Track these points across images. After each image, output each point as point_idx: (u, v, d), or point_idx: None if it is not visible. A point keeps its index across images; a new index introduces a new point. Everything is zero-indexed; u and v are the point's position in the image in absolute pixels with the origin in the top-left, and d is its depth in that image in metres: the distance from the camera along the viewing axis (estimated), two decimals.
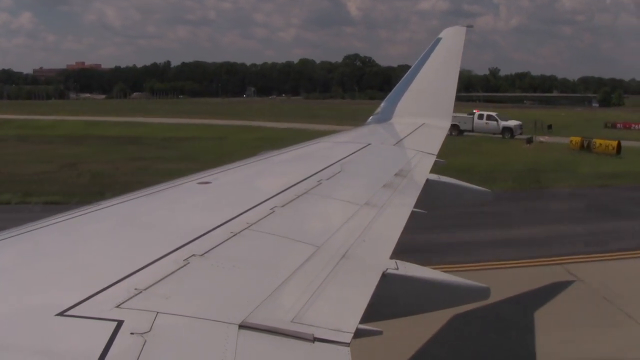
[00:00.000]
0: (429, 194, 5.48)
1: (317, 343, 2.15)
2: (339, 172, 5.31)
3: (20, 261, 2.71)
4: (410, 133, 8.67)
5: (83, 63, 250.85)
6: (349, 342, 2.19)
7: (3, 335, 1.92)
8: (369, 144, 7.31)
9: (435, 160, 6.99)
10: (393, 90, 10.81)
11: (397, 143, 8.06)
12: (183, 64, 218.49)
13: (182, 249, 2.80)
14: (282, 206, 3.85)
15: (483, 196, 7.30)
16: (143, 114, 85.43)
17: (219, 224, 3.26)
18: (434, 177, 6.17)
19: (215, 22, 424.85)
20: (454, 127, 53.97)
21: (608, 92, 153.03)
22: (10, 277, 2.45)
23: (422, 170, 6.23)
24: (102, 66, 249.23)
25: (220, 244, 2.96)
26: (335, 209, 4.21)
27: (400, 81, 10.88)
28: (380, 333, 2.48)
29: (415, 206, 4.66)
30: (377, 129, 9.50)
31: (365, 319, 2.44)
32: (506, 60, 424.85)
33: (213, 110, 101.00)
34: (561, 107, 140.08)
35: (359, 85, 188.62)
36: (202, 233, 3.06)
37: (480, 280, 3.64)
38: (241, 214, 3.52)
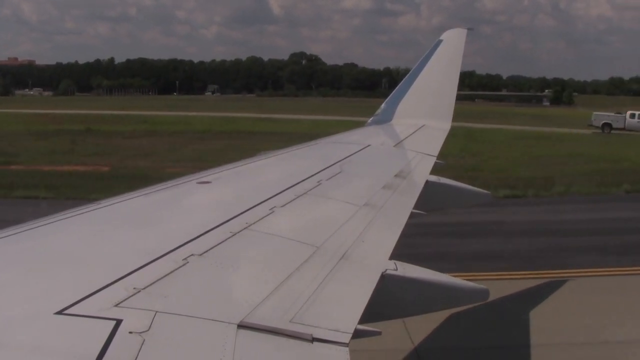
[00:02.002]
0: (429, 195, 5.48)
1: (315, 343, 2.15)
2: (339, 172, 5.31)
3: (20, 259, 2.71)
4: (411, 134, 8.68)
5: (16, 59, 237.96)
6: (347, 342, 2.19)
7: (2, 334, 1.92)
8: (369, 145, 7.31)
9: (435, 162, 6.99)
10: (394, 92, 10.82)
11: (397, 144, 8.06)
12: (128, 60, 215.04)
13: (181, 248, 2.80)
14: (282, 206, 3.85)
15: (483, 198, 7.31)
16: (209, 110, 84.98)
17: (219, 223, 3.26)
18: (434, 178, 6.17)
19: (135, 19, 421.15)
20: (606, 125, 58.19)
21: (560, 91, 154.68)
22: (10, 275, 2.45)
23: (422, 172, 6.23)
24: (37, 62, 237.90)
25: (219, 243, 2.96)
26: (334, 209, 4.21)
27: (401, 83, 10.89)
28: (379, 333, 2.48)
29: (415, 207, 4.67)
30: (377, 130, 9.50)
31: (364, 319, 2.44)
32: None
33: (240, 106, 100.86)
34: (513, 105, 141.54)
35: (308, 83, 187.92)
36: (201, 232, 3.06)
37: None
38: (240, 213, 3.52)
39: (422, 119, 9.65)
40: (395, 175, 5.64)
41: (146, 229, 3.31)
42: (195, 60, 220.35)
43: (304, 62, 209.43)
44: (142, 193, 4.08)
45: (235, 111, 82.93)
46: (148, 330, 1.97)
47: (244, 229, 3.25)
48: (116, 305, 2.12)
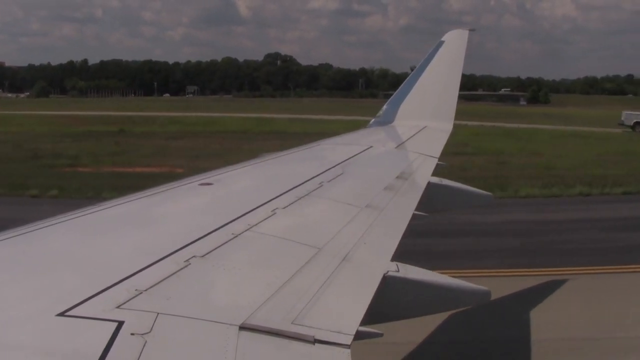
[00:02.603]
0: (431, 197, 5.48)
1: (317, 345, 2.15)
2: (341, 174, 5.31)
3: (22, 261, 2.72)
4: (412, 136, 8.68)
5: None
6: (349, 344, 2.19)
7: (4, 335, 1.92)
8: (371, 147, 7.31)
9: (437, 163, 6.98)
10: (395, 93, 10.81)
11: (399, 145, 8.06)
12: (102, 62, 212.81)
13: (183, 250, 2.80)
14: (284, 208, 3.85)
15: (484, 200, 7.30)
16: (221, 111, 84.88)
17: (220, 225, 3.27)
18: (436, 179, 6.17)
19: (102, 20, 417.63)
20: (638, 124, 59.77)
21: (536, 90, 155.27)
22: (12, 277, 2.46)
23: (424, 173, 6.23)
24: (6, 64, 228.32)
25: (221, 245, 2.96)
26: (336, 211, 4.21)
27: (403, 84, 10.88)
28: (380, 335, 2.48)
29: (417, 209, 4.66)
30: (379, 131, 9.50)
31: (366, 321, 2.44)
32: (396, 59, 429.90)
33: (255, 107, 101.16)
34: (490, 104, 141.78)
35: (284, 84, 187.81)
36: (203, 234, 3.07)
37: None
38: (242, 215, 3.52)
39: (424, 120, 9.65)
40: (397, 177, 5.64)
41: (148, 231, 3.31)
42: (170, 62, 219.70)
43: (278, 62, 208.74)
44: (144, 194, 4.09)
45: (250, 112, 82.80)
46: (150, 331, 1.98)
47: (246, 230, 3.25)
48: (118, 307, 2.12)
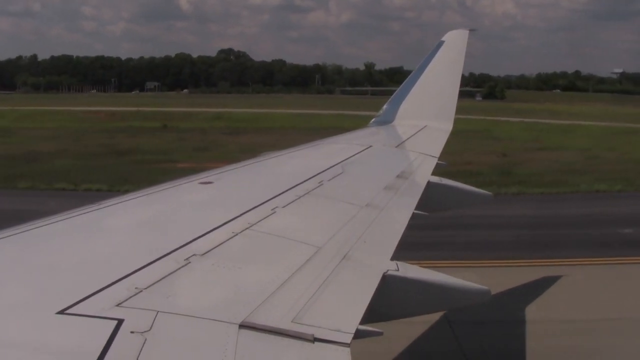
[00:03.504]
0: (430, 196, 5.48)
1: (317, 343, 2.15)
2: (341, 173, 5.31)
3: (22, 259, 2.72)
4: (412, 135, 8.67)
5: None
6: (349, 342, 2.19)
7: (4, 333, 1.92)
8: (371, 146, 7.31)
9: (437, 163, 6.98)
10: (396, 92, 10.81)
11: (399, 145, 8.06)
12: (52, 57, 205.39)
13: (183, 248, 2.80)
14: (284, 207, 3.85)
15: (484, 199, 7.30)
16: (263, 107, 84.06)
17: (220, 223, 3.27)
18: (436, 179, 6.17)
19: (40, 15, 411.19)
20: None
21: (493, 86, 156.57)
22: (12, 275, 2.46)
23: (424, 173, 6.23)
24: None
25: (221, 243, 2.96)
26: (336, 210, 4.21)
27: (403, 83, 10.88)
28: (380, 334, 2.48)
29: (417, 208, 4.66)
30: (379, 130, 9.50)
31: (366, 319, 2.44)
32: (337, 55, 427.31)
33: (272, 103, 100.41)
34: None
35: (240, 80, 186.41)
36: (203, 233, 3.07)
37: None
38: (242, 214, 3.52)
39: (424, 119, 9.64)
40: (397, 176, 5.64)
41: (148, 229, 3.32)
42: (123, 57, 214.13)
43: (232, 58, 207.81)
44: (144, 193, 4.09)
45: (269, 107, 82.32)
46: (150, 330, 1.98)
47: (246, 229, 3.26)
48: (118, 305, 2.12)
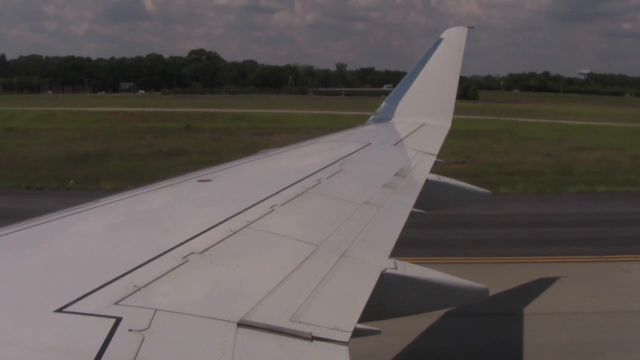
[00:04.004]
0: (429, 194, 5.48)
1: (315, 342, 2.15)
2: (339, 171, 5.30)
3: (20, 257, 2.71)
4: (411, 133, 8.67)
5: None
6: (347, 341, 2.19)
7: (2, 331, 1.92)
8: (369, 144, 7.30)
9: (435, 161, 6.98)
10: (394, 90, 10.81)
11: (397, 143, 8.05)
12: (21, 57, 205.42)
13: (182, 246, 2.80)
14: (282, 205, 3.85)
15: (483, 197, 7.30)
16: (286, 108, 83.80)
17: (219, 222, 3.27)
18: (434, 177, 6.17)
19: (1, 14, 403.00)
20: None
21: (466, 87, 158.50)
22: (10, 273, 2.45)
23: (422, 171, 6.23)
24: None
25: (219, 242, 2.96)
26: (334, 208, 4.21)
27: (402, 81, 10.88)
28: (378, 332, 2.48)
29: (415, 206, 4.66)
30: (377, 128, 9.49)
31: (364, 318, 2.44)
32: (303, 56, 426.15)
33: (281, 104, 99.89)
34: None
35: (212, 81, 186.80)
36: (201, 231, 3.06)
37: None
38: (241, 212, 3.52)
39: (423, 117, 9.64)
40: (396, 174, 5.64)
41: (146, 227, 3.31)
42: (94, 58, 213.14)
43: (204, 59, 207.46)
44: (142, 191, 4.08)
45: (276, 108, 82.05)
46: (148, 328, 1.97)
47: (244, 227, 3.25)
48: (116, 303, 2.12)
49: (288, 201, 3.98)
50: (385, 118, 9.88)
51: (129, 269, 2.44)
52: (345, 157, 6.14)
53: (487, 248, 15.72)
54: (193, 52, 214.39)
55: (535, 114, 77.70)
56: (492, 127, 54.09)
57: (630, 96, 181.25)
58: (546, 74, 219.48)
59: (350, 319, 2.38)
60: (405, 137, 8.41)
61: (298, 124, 53.03)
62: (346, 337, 2.22)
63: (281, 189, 4.27)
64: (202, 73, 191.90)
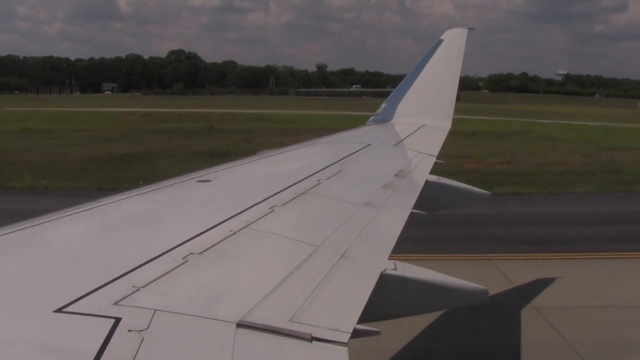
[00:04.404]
0: (429, 195, 5.48)
1: (314, 342, 2.15)
2: (339, 172, 5.30)
3: (19, 257, 2.71)
4: (411, 134, 8.67)
5: None
6: (346, 341, 2.19)
7: (1, 331, 1.92)
8: (369, 145, 7.30)
9: (435, 162, 6.98)
10: (394, 91, 10.81)
11: (397, 144, 8.05)
12: None
13: (181, 246, 2.80)
14: (282, 205, 3.85)
15: (483, 198, 7.29)
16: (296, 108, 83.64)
17: (218, 222, 3.26)
18: (434, 178, 6.16)
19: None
20: None
21: None
22: (9, 273, 2.45)
23: (422, 172, 6.23)
24: None
25: (219, 242, 2.96)
26: (334, 208, 4.21)
27: (402, 82, 10.88)
28: (378, 333, 2.48)
29: (415, 207, 4.66)
30: (377, 129, 9.50)
31: (363, 319, 2.44)
32: (278, 56, 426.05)
33: (280, 104, 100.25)
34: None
35: (193, 81, 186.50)
36: (201, 231, 3.06)
37: None
38: (240, 212, 3.52)
39: (423, 118, 9.64)
40: (395, 175, 5.64)
41: (146, 227, 3.31)
42: (72, 58, 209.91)
43: (183, 59, 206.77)
44: (141, 191, 4.08)
45: (288, 109, 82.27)
46: (147, 328, 1.97)
47: (244, 227, 3.25)
48: (115, 304, 2.12)
49: (288, 202, 3.98)
50: (386, 119, 9.88)
51: (129, 269, 2.44)
52: (345, 157, 6.14)
53: None
54: (172, 52, 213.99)
55: (536, 114, 78.08)
56: (510, 128, 54.80)
57: (600, 96, 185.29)
58: (524, 74, 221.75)
59: (349, 319, 2.38)
60: (405, 137, 8.41)
61: (319, 125, 52.68)
62: (346, 337, 2.22)
63: (281, 189, 4.27)
64: (182, 74, 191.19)
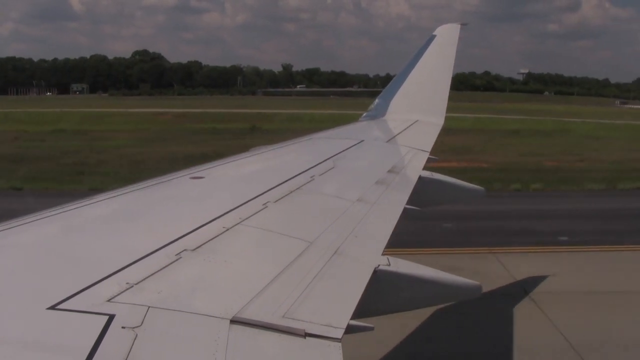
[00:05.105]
0: (422, 191, 5.49)
1: (308, 338, 2.15)
2: (332, 168, 5.31)
3: (12, 254, 2.71)
4: (404, 130, 8.68)
5: None
6: (340, 337, 2.20)
7: None
8: (362, 141, 7.31)
9: (428, 157, 6.99)
10: (387, 87, 10.82)
11: (390, 140, 8.06)
12: None
13: (174, 243, 2.79)
14: (275, 202, 3.85)
15: (477, 194, 7.31)
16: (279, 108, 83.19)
17: (212, 218, 3.26)
18: (427, 174, 6.18)
19: None
20: None
21: None
22: (2, 270, 2.44)
23: (415, 167, 6.24)
24: None
25: (212, 238, 2.95)
26: (327, 204, 4.21)
27: (394, 78, 10.89)
28: (371, 329, 2.48)
29: (408, 203, 4.67)
30: (370, 125, 9.51)
31: (357, 315, 2.44)
32: (234, 56, 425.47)
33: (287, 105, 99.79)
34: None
35: (159, 82, 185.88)
36: (194, 228, 3.06)
37: None
38: (234, 209, 3.52)
39: (416, 114, 9.65)
40: (389, 171, 5.65)
41: (139, 224, 3.31)
42: (35, 59, 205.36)
43: (148, 60, 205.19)
44: (135, 188, 4.07)
45: (301, 109, 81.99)
46: (141, 325, 1.97)
47: (237, 224, 3.25)
48: (109, 301, 2.12)
49: (281, 198, 3.98)
50: (379, 115, 9.89)
51: (122, 266, 2.43)
52: (338, 154, 6.14)
53: None
54: (137, 52, 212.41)
55: (532, 113, 78.84)
56: (547, 127, 56.21)
57: (550, 94, 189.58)
58: (487, 73, 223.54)
59: (343, 315, 2.38)
60: (398, 133, 8.42)
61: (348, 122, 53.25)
62: (339, 333, 2.22)
63: (274, 185, 4.27)
64: (148, 74, 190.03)
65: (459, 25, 11.47)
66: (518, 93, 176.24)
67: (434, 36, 11.09)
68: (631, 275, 13.91)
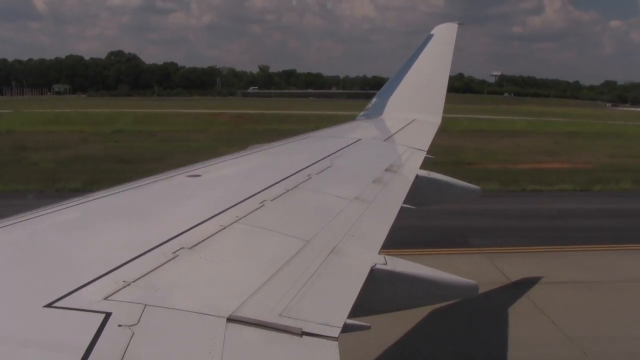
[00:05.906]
0: (419, 190, 5.49)
1: (305, 337, 2.16)
2: (329, 166, 5.31)
3: (9, 252, 2.70)
4: (401, 129, 8.69)
5: None
6: (337, 336, 2.20)
7: None
8: (360, 139, 7.31)
9: (426, 157, 7.00)
10: (384, 86, 10.83)
11: (387, 138, 8.07)
12: None
13: (171, 241, 2.79)
14: (272, 200, 3.85)
15: (473, 193, 7.32)
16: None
17: (209, 217, 3.26)
18: (424, 173, 6.18)
19: None
20: None
21: None
22: None
23: (412, 166, 6.24)
24: None
25: (209, 237, 2.95)
26: (324, 203, 4.21)
27: (392, 77, 10.90)
28: (368, 328, 2.49)
29: (405, 202, 4.68)
30: (367, 124, 9.51)
31: (354, 313, 2.45)
32: (197, 56, 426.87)
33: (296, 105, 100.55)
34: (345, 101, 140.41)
35: (136, 83, 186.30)
36: (191, 226, 3.06)
37: None
38: (231, 207, 3.52)
39: (413, 113, 9.66)
40: (386, 170, 5.65)
41: (136, 222, 3.30)
42: (10, 59, 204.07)
43: (124, 60, 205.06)
44: (131, 186, 4.07)
45: (313, 110, 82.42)
46: (137, 323, 1.97)
47: (234, 222, 3.25)
48: (105, 299, 2.11)
49: (278, 196, 3.98)
50: (376, 114, 9.89)
51: (119, 264, 2.43)
52: (335, 152, 6.14)
53: None
54: (112, 53, 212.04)
55: (535, 114, 79.47)
56: (598, 129, 57.95)
57: (509, 95, 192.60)
58: (461, 75, 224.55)
59: (340, 314, 2.38)
60: (396, 132, 8.42)
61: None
62: (336, 332, 2.22)
63: (271, 184, 4.27)
64: (125, 75, 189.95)
65: (457, 25, 11.47)
66: (495, 95, 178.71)
67: (432, 35, 11.10)
68: None
